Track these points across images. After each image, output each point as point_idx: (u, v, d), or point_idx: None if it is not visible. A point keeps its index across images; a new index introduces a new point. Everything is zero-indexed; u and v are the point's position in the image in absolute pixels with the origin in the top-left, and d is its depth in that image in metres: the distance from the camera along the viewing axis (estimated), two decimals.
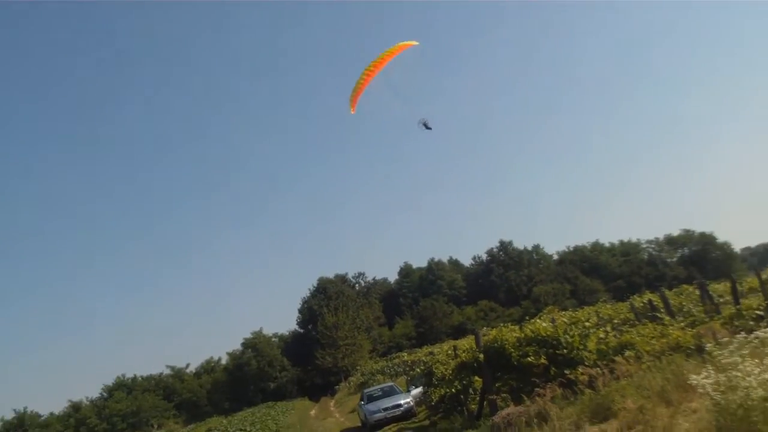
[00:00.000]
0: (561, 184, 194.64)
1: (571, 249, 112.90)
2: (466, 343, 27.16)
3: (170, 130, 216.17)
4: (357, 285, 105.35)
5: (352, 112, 22.59)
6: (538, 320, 19.29)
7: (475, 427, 17.22)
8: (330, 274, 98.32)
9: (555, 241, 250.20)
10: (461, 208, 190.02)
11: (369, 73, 22.91)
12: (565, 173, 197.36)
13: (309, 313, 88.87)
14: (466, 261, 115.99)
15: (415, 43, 23.23)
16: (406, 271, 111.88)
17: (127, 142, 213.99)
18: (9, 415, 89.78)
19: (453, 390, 21.21)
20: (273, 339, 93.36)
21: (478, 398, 19.57)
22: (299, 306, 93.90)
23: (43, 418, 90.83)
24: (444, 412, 22.13)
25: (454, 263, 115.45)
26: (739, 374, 6.60)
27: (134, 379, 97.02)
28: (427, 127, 22.72)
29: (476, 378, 19.87)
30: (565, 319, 19.88)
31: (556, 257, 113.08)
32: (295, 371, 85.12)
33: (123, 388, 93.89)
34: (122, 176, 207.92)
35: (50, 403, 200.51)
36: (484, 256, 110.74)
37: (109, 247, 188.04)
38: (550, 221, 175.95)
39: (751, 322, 13.76)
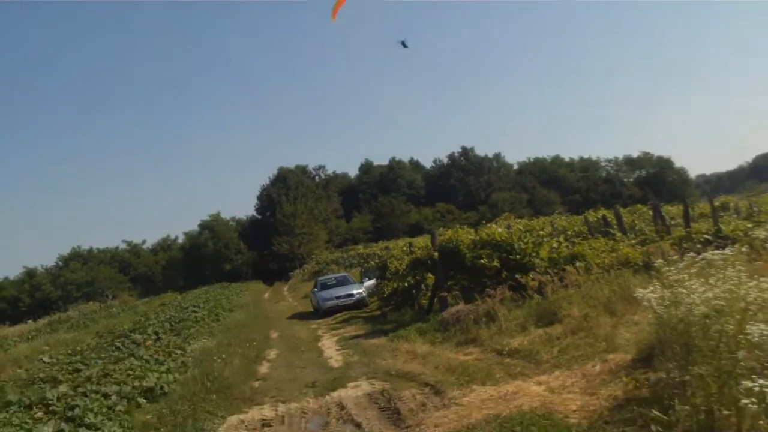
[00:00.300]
0: (527, 95, 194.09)
1: (532, 160, 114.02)
2: (422, 241, 27.70)
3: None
4: (317, 177, 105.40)
5: (333, 21, 22.96)
6: (493, 225, 19.66)
7: (425, 320, 17.75)
8: (291, 165, 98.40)
9: (516, 151, 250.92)
10: (426, 109, 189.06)
11: None
12: (534, 85, 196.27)
13: (268, 200, 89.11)
14: (427, 163, 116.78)
15: None
16: (366, 168, 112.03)
17: None
18: None
19: (406, 284, 21.75)
20: (231, 223, 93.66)
21: (429, 294, 20.13)
22: (258, 193, 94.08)
23: None
24: (395, 305, 22.71)
25: (415, 164, 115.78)
26: (684, 291, 6.91)
27: (90, 251, 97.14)
28: (405, 46, 23.39)
29: (429, 275, 20.39)
30: (520, 227, 20.29)
31: (516, 167, 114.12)
32: (251, 255, 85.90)
33: (79, 258, 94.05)
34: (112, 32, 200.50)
35: (4, 268, 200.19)
36: (445, 160, 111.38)
37: (82, 109, 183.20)
38: (513, 132, 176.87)
39: (699, 245, 14.22)
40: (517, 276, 16.35)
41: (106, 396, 12.03)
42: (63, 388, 12.76)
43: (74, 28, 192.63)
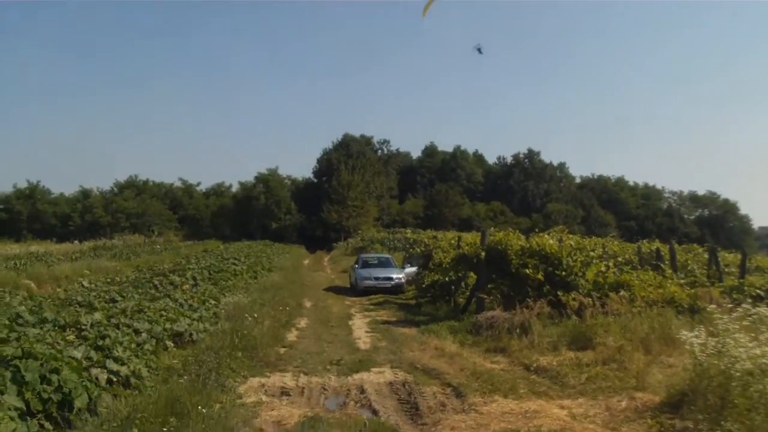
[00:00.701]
0: (606, 109, 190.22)
1: (595, 177, 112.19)
2: (470, 237, 27.40)
3: None
4: (380, 151, 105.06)
5: (423, 17, 24.01)
6: (545, 236, 19.39)
7: (458, 319, 17.64)
8: (356, 133, 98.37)
9: (581, 164, 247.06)
10: (502, 103, 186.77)
11: None
12: (615, 100, 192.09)
13: (327, 164, 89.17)
14: (491, 158, 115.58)
15: None
16: (430, 151, 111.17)
17: None
18: (22, 184, 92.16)
19: (447, 279, 21.63)
20: (286, 180, 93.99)
21: (468, 293, 19.99)
22: (319, 155, 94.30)
23: (53, 196, 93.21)
24: (432, 298, 22.63)
25: (479, 157, 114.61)
26: (731, 342, 6.75)
27: (146, 182, 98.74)
28: (480, 52, 23.81)
29: (471, 274, 20.24)
30: (571, 243, 20.02)
31: (578, 180, 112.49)
32: (300, 218, 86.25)
33: (133, 188, 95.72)
34: None
35: (62, 184, 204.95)
36: (509, 159, 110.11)
37: (156, 44, 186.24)
38: (582, 144, 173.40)
39: (750, 299, 13.90)
40: (559, 293, 16.13)
41: (137, 332, 12.22)
42: (97, 315, 12.96)
43: None
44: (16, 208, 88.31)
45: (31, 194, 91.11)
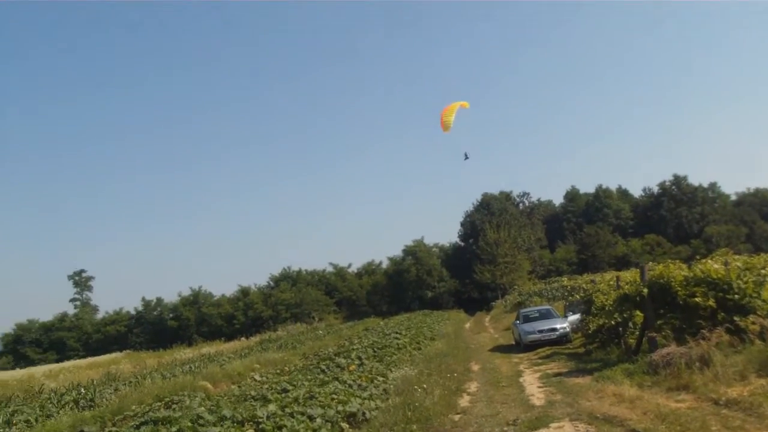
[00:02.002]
0: (748, 121, 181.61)
1: (752, 191, 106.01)
2: (629, 275, 26.42)
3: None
4: (521, 204, 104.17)
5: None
6: (709, 261, 18.39)
7: (632, 361, 16.94)
8: (494, 191, 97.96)
9: (734, 181, 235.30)
10: (637, 136, 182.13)
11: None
12: (756, 110, 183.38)
13: (471, 227, 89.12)
14: (636, 192, 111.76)
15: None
16: (572, 195, 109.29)
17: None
18: (186, 292, 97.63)
19: (612, 322, 20.86)
20: (433, 249, 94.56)
21: (637, 333, 19.18)
22: (461, 219, 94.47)
23: (215, 298, 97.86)
24: (601, 343, 21.88)
25: (623, 192, 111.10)
26: None
27: (299, 272, 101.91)
28: (466, 157, 27.76)
29: (637, 312, 19.43)
30: (739, 264, 18.87)
31: (734, 198, 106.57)
32: (453, 283, 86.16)
33: (288, 279, 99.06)
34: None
35: (222, 286, 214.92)
36: (656, 189, 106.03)
37: (290, 144, 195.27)
38: (730, 160, 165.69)
39: None
40: (735, 318, 15.20)
41: (311, 418, 12.43)
42: (272, 407, 13.29)
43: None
44: (184, 314, 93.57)
45: (195, 300, 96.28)
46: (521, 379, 18.96)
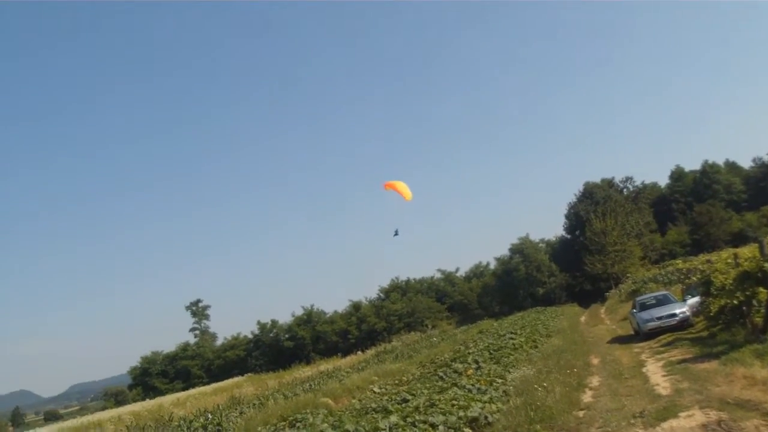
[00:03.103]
0: None
1: None
2: (747, 251, 25.28)
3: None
4: (625, 190, 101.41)
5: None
6: None
7: (761, 341, 16.24)
8: (596, 179, 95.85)
9: None
10: (743, 105, 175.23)
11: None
12: None
13: (576, 218, 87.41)
14: (745, 163, 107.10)
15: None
16: (677, 175, 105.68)
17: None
18: (299, 312, 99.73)
19: (734, 301, 20.01)
20: (540, 244, 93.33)
21: (763, 311, 18.37)
22: (565, 212, 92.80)
23: (328, 315, 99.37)
24: (725, 324, 21.02)
25: (731, 165, 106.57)
26: None
27: (408, 281, 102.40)
28: (396, 234, 28.26)
29: (761, 289, 18.59)
30: None
31: None
32: (564, 277, 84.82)
33: (398, 290, 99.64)
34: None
35: (333, 303, 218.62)
36: (767, 157, 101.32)
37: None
38: None
39: None
40: None
41: (433, 426, 12.44)
42: (393, 418, 13.36)
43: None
44: (299, 334, 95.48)
45: (309, 319, 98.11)
46: (644, 369, 18.45)
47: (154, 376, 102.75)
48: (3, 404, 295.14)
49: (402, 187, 29.21)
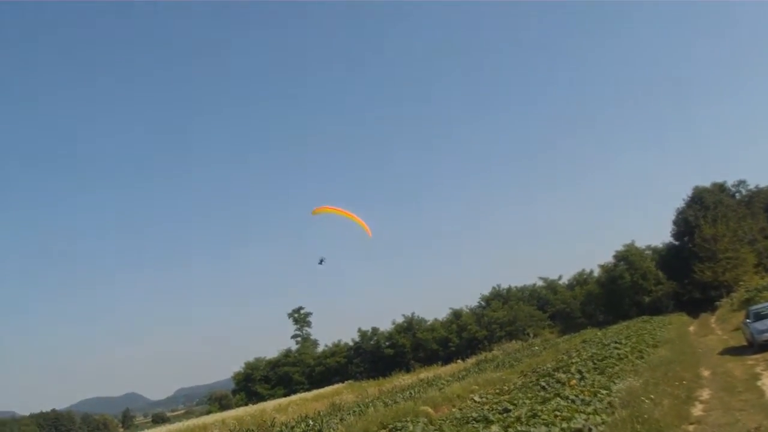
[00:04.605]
0: None
1: None
2: None
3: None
4: (737, 194, 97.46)
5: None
6: None
7: None
8: (706, 183, 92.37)
9: None
10: None
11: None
12: None
13: (684, 224, 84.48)
14: None
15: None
16: None
17: None
18: (399, 319, 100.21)
19: None
20: (646, 251, 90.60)
21: None
22: (673, 217, 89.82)
23: (428, 323, 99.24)
24: None
25: None
26: None
27: (509, 289, 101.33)
28: (320, 262, 29.03)
29: None
30: None
31: None
32: (671, 285, 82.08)
33: (499, 298, 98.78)
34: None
35: (433, 311, 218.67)
36: None
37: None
38: None
39: None
40: None
41: None
42: (495, 428, 13.16)
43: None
44: (400, 342, 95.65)
45: (410, 326, 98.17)
46: (759, 383, 17.57)
47: (256, 382, 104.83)
48: (115, 406, 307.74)
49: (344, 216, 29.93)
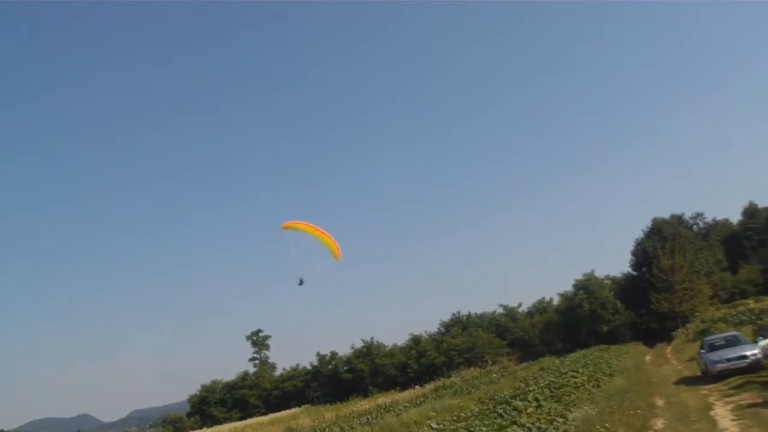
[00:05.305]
0: None
1: None
2: None
3: None
4: (695, 226, 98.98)
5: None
6: None
7: None
8: (665, 215, 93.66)
9: None
10: None
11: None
12: None
13: (643, 255, 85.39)
14: None
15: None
16: (750, 212, 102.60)
17: None
18: (358, 344, 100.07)
19: None
20: (605, 281, 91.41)
21: None
22: (632, 248, 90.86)
23: (387, 348, 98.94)
24: None
25: None
26: None
27: (468, 316, 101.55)
28: (300, 283, 28.66)
29: None
30: None
31: None
32: (629, 315, 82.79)
33: (458, 324, 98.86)
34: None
35: (393, 336, 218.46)
36: None
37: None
38: None
39: None
40: None
41: None
42: None
43: None
44: (358, 366, 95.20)
45: (368, 351, 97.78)
46: (712, 413, 17.76)
47: (212, 405, 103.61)
48: (66, 428, 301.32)
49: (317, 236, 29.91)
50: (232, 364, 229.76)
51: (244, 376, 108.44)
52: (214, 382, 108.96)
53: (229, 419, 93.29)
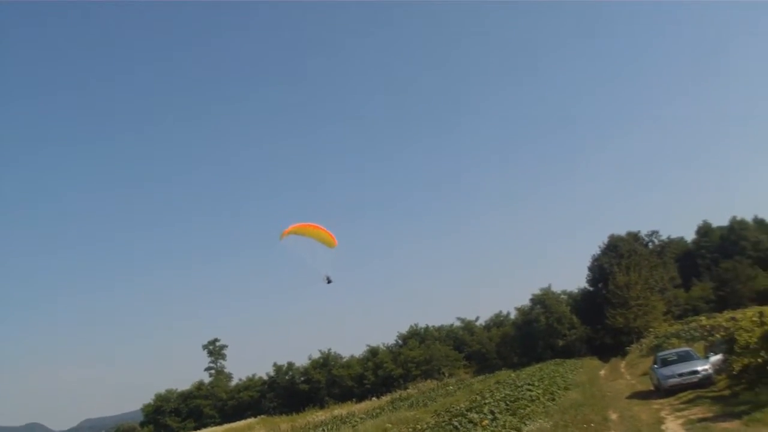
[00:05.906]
0: None
1: None
2: None
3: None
4: (650, 243, 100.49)
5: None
6: None
7: None
8: (621, 232, 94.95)
9: None
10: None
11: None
12: None
13: (599, 271, 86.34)
14: None
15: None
16: (704, 230, 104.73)
17: None
18: (315, 355, 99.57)
19: (759, 360, 19.59)
20: (562, 296, 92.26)
21: None
22: (589, 264, 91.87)
23: (344, 359, 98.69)
24: (748, 384, 20.56)
25: (760, 222, 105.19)
26: None
27: (426, 328, 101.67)
28: (328, 281, 28.82)
29: None
30: None
31: None
32: (585, 329, 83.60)
33: (416, 336, 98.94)
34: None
35: (351, 347, 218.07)
36: None
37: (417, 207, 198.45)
38: None
39: None
40: None
41: None
42: None
43: None
44: (315, 377, 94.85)
45: (326, 362, 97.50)
46: (663, 427, 18.04)
47: (166, 414, 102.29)
48: None
49: (313, 232, 29.76)
50: (187, 373, 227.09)
51: (200, 385, 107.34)
52: (169, 391, 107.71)
53: (184, 429, 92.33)
